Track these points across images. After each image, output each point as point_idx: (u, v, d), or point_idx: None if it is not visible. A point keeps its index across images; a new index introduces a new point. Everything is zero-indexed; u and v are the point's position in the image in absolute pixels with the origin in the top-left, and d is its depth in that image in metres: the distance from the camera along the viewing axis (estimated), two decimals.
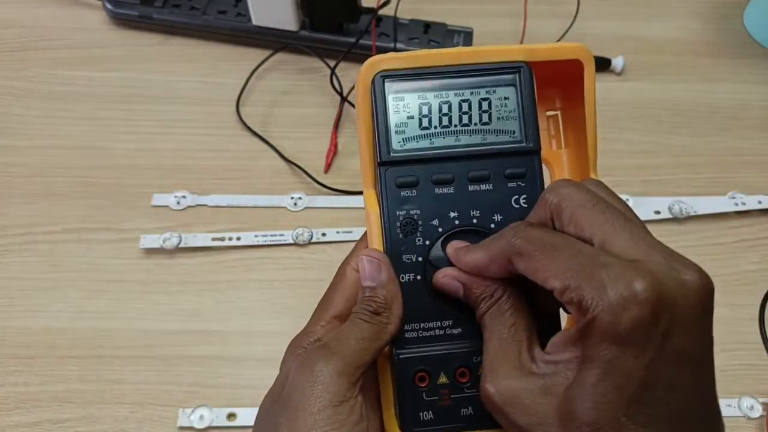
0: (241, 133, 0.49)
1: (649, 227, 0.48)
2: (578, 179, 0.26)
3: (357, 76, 0.25)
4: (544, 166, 0.27)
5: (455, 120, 0.25)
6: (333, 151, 0.47)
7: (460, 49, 0.26)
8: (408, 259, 0.24)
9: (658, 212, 0.45)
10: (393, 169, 0.25)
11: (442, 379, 0.24)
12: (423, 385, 0.24)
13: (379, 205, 0.25)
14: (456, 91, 0.25)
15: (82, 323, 0.39)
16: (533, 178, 0.25)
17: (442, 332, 0.24)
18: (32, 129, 0.48)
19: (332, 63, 0.50)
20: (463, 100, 0.25)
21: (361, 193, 0.43)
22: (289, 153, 0.47)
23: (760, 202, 0.45)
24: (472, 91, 0.25)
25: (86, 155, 0.47)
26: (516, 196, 0.25)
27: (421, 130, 0.25)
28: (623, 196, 0.46)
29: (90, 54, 0.53)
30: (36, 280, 0.41)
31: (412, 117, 0.25)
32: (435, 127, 0.25)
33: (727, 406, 0.37)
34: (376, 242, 0.25)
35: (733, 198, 0.45)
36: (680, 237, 0.44)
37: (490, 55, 0.25)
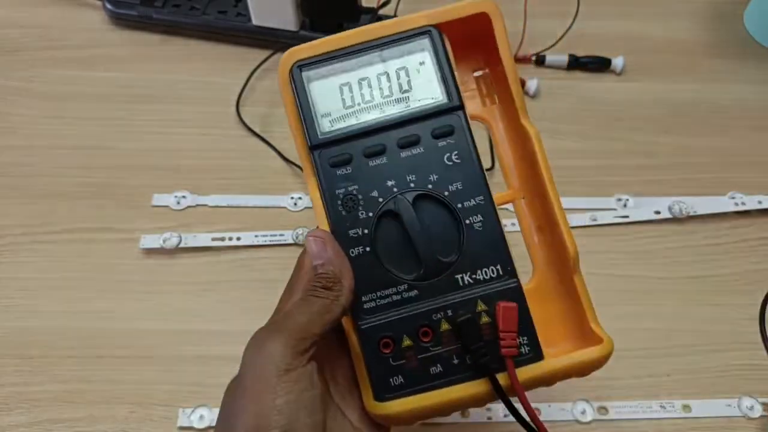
0: (241, 133, 0.49)
1: (649, 227, 0.48)
2: (513, 130, 0.28)
3: (279, 66, 0.26)
4: (482, 124, 0.29)
5: (376, 93, 0.26)
6: None
7: (367, 26, 0.27)
8: (354, 234, 0.25)
9: (658, 212, 0.45)
10: (325, 151, 0.26)
11: (406, 342, 0.25)
12: (388, 351, 0.25)
13: (319, 188, 0.26)
14: (372, 66, 0.26)
15: (82, 323, 0.39)
16: (462, 133, 0.26)
17: (399, 297, 0.25)
18: (32, 129, 0.48)
19: None
20: (381, 74, 0.26)
21: None
22: (289, 153, 0.47)
23: (760, 202, 0.45)
24: (387, 62, 0.26)
25: (86, 155, 0.47)
26: (448, 154, 0.26)
27: (346, 109, 0.26)
28: (623, 196, 0.46)
29: (90, 54, 0.53)
30: (36, 280, 0.41)
31: (334, 99, 0.26)
32: (359, 104, 0.26)
33: (727, 406, 0.37)
34: (322, 224, 0.26)
35: (733, 198, 0.45)
36: (680, 237, 0.44)
37: (397, 26, 0.26)
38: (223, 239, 0.42)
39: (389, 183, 0.25)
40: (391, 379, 0.25)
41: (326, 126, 0.26)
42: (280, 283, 0.41)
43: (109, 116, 0.49)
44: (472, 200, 0.26)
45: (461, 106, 0.26)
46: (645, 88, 0.52)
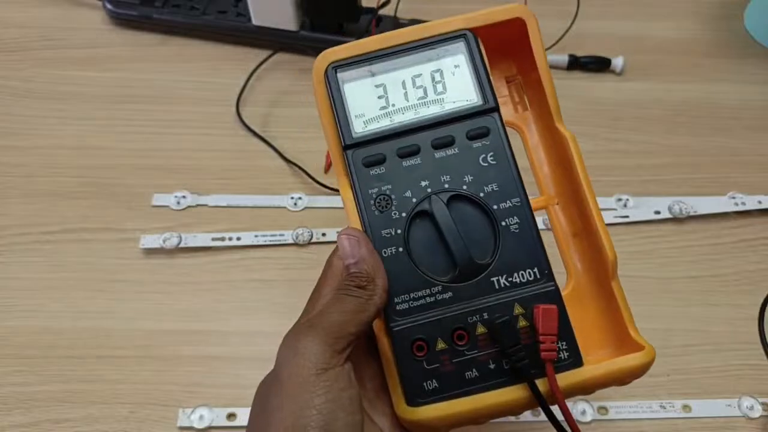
0: (241, 133, 0.49)
1: (649, 227, 0.48)
2: (547, 135, 0.28)
3: (314, 68, 0.26)
4: (514, 131, 0.28)
5: (411, 95, 0.26)
6: None
7: (403, 29, 0.27)
8: (387, 234, 0.25)
9: (658, 212, 0.45)
10: (359, 151, 0.25)
11: (441, 345, 0.24)
12: (422, 354, 0.24)
13: (351, 188, 0.25)
14: (407, 68, 0.26)
15: (82, 323, 0.39)
16: (497, 135, 0.25)
17: (432, 299, 0.24)
18: (32, 129, 0.48)
19: None
20: (416, 75, 0.26)
21: None
22: (289, 153, 0.47)
23: (760, 202, 0.45)
24: (422, 65, 0.26)
25: (86, 155, 0.47)
26: (483, 155, 0.25)
27: (380, 110, 0.26)
28: (623, 196, 0.46)
29: (90, 54, 0.53)
30: (36, 280, 0.41)
31: (368, 100, 0.26)
32: (393, 105, 0.26)
33: (727, 406, 0.37)
34: (354, 224, 0.25)
35: (733, 198, 0.45)
36: (680, 237, 0.44)
37: (433, 29, 0.26)
38: (223, 239, 0.42)
39: (423, 183, 0.25)
40: (425, 384, 0.24)
41: (360, 126, 0.26)
42: (279, 283, 0.41)
43: (109, 116, 0.49)
44: (508, 202, 0.25)
45: (496, 108, 0.26)
46: (645, 88, 0.52)
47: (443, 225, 0.25)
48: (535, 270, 0.25)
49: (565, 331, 0.24)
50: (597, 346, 0.26)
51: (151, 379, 0.38)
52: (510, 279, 0.24)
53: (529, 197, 0.26)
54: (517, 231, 0.25)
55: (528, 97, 0.29)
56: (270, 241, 0.43)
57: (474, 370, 0.24)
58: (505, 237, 0.25)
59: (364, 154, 0.25)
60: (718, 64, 0.54)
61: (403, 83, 0.26)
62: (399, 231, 0.25)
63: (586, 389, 0.24)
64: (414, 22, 0.52)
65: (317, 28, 0.52)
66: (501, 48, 0.28)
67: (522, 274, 0.25)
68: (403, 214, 0.25)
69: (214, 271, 0.42)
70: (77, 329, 0.39)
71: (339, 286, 0.24)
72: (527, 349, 0.23)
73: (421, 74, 0.26)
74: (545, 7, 0.55)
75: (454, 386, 0.24)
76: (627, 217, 0.44)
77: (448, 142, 0.25)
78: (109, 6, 0.54)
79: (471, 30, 0.26)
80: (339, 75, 0.26)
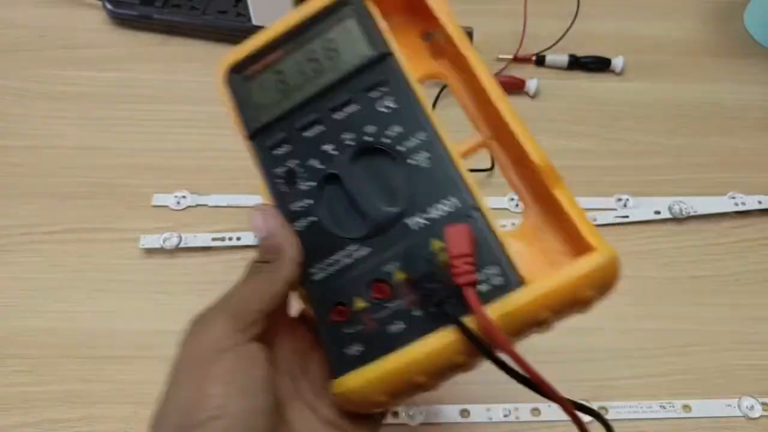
0: None
1: (649, 227, 0.48)
2: (463, 72, 0.26)
3: (215, 75, 0.27)
4: (443, 81, 0.27)
5: (307, 69, 0.25)
6: None
7: (290, 13, 0.27)
8: (299, 207, 0.24)
9: (658, 212, 0.45)
10: (262, 137, 0.25)
11: (359, 304, 0.22)
12: (342, 318, 0.22)
13: (262, 175, 0.25)
14: (302, 48, 0.26)
15: (82, 323, 0.39)
16: (395, 78, 0.24)
17: (350, 260, 0.23)
18: (32, 129, 0.48)
19: None
20: (310, 50, 0.26)
21: None
22: None
23: (760, 202, 0.45)
24: (315, 40, 0.26)
25: (86, 155, 0.47)
26: (382, 102, 0.24)
27: (280, 94, 0.26)
28: (623, 196, 0.46)
29: (90, 54, 0.53)
30: (36, 280, 0.41)
31: (269, 89, 0.26)
32: (292, 85, 0.25)
33: (727, 406, 0.37)
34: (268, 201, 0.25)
35: (733, 198, 0.45)
36: (680, 237, 0.44)
37: (316, 4, 0.26)
38: (223, 239, 0.42)
39: (326, 147, 0.24)
40: (347, 350, 0.21)
41: (263, 115, 0.26)
42: None
43: (109, 116, 0.49)
44: (413, 139, 0.23)
45: (388, 53, 0.25)
46: (645, 88, 0.52)
47: (347, 181, 0.23)
48: (452, 199, 0.22)
49: (490, 249, 0.21)
50: (550, 265, 0.22)
51: (152, 379, 0.37)
52: (427, 216, 0.22)
53: (468, 140, 0.25)
54: (429, 165, 0.23)
55: (446, 46, 0.27)
56: None
57: (399, 322, 0.21)
58: (415, 174, 0.23)
59: (267, 139, 0.25)
60: (718, 64, 0.54)
61: (299, 63, 0.26)
62: (310, 201, 0.24)
63: (535, 316, 0.20)
64: None
65: None
66: (403, 5, 0.27)
67: (438, 207, 0.22)
68: (313, 184, 0.24)
69: (214, 271, 0.42)
70: (77, 329, 0.39)
71: (247, 267, 0.23)
72: (453, 287, 0.20)
73: (313, 49, 0.26)
74: (545, 7, 0.55)
75: (381, 346, 0.21)
76: (627, 217, 0.44)
77: (345, 101, 0.24)
78: (109, 6, 0.54)
79: None
80: (237, 76, 0.27)
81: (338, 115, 0.24)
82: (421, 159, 0.23)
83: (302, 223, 0.24)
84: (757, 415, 0.37)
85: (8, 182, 0.45)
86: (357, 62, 0.25)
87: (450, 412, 0.36)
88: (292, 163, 0.25)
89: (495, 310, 0.20)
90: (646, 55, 0.54)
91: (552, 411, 0.37)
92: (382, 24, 0.26)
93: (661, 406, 0.37)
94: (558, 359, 0.38)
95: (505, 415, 0.36)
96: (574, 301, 0.20)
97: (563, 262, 0.21)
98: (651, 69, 0.54)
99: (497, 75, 0.51)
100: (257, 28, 0.52)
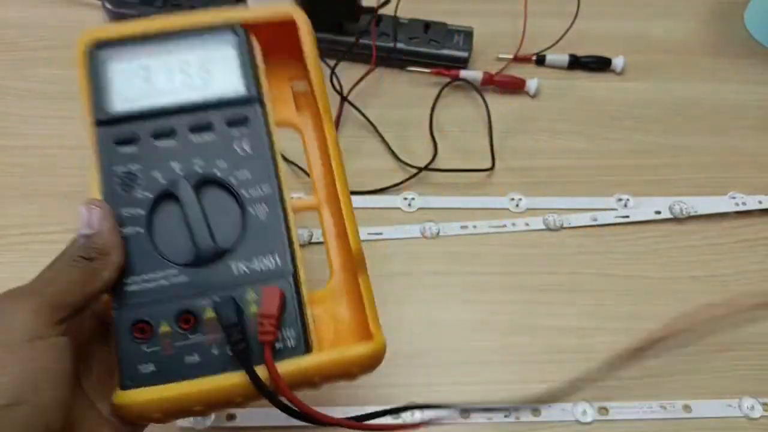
0: None
1: (649, 227, 0.48)
2: (319, 138, 0.28)
3: (77, 43, 0.26)
4: (296, 132, 0.28)
5: (176, 79, 0.25)
6: None
7: (179, 15, 0.27)
8: (129, 213, 0.24)
9: (658, 212, 0.45)
10: (111, 128, 0.25)
11: (164, 328, 0.23)
12: (143, 336, 0.23)
13: (97, 165, 0.25)
14: (175, 54, 0.26)
15: None
16: (257, 124, 0.25)
17: (167, 282, 0.23)
18: (32, 129, 0.48)
19: (332, 63, 0.50)
20: (183, 61, 0.26)
21: (360, 193, 0.44)
22: (289, 153, 0.47)
23: (760, 202, 0.45)
24: (190, 52, 0.26)
25: (86, 155, 0.47)
26: (240, 143, 0.25)
27: (141, 91, 0.25)
28: (623, 196, 0.46)
29: None
30: None
31: (130, 80, 0.25)
32: (155, 87, 0.25)
33: (727, 407, 0.37)
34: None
35: (733, 198, 0.45)
36: (680, 237, 0.44)
37: (206, 18, 0.26)
38: None
39: (174, 164, 0.24)
40: (140, 366, 0.22)
41: (117, 105, 0.25)
42: None
43: None
44: (259, 189, 0.25)
45: (259, 99, 0.26)
46: (645, 88, 0.52)
47: (187, 206, 0.24)
48: (276, 258, 0.24)
49: (295, 318, 0.23)
50: (345, 342, 0.25)
51: None
52: (249, 265, 0.24)
53: (305, 199, 0.27)
54: (265, 219, 0.24)
55: (306, 100, 0.29)
56: None
57: (195, 354, 0.23)
58: (250, 223, 0.24)
59: (117, 132, 0.25)
60: (718, 64, 0.54)
61: (169, 67, 0.26)
62: (142, 211, 0.24)
63: (310, 378, 0.23)
64: (414, 21, 0.52)
65: (317, 28, 0.51)
66: (282, 47, 0.28)
67: (263, 260, 0.24)
68: (149, 195, 0.24)
69: None
70: None
71: (69, 254, 0.22)
72: (249, 334, 0.23)
73: (187, 60, 0.26)
74: (545, 7, 0.55)
75: (172, 371, 0.22)
76: (627, 217, 0.44)
77: (205, 126, 0.25)
78: (109, 6, 0.54)
79: (244, 25, 0.26)
80: (103, 52, 0.26)
81: (195, 138, 0.25)
82: (260, 211, 0.25)
83: (128, 230, 0.24)
84: (757, 415, 0.37)
85: (8, 182, 0.45)
86: (227, 94, 0.25)
87: (450, 413, 0.36)
88: (134, 167, 0.25)
89: (282, 367, 0.23)
90: (647, 54, 0.54)
91: (552, 411, 0.37)
92: (260, 63, 0.26)
93: (661, 406, 0.37)
94: (558, 359, 0.38)
95: (505, 416, 0.36)
96: (342, 374, 0.24)
97: (346, 336, 0.25)
98: (651, 69, 0.54)
99: (497, 74, 0.51)
100: None
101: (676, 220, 0.45)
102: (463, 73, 0.50)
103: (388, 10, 0.49)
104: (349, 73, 0.51)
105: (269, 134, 0.26)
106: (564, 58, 0.53)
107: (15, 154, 0.47)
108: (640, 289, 0.42)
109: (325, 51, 0.51)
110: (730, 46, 0.56)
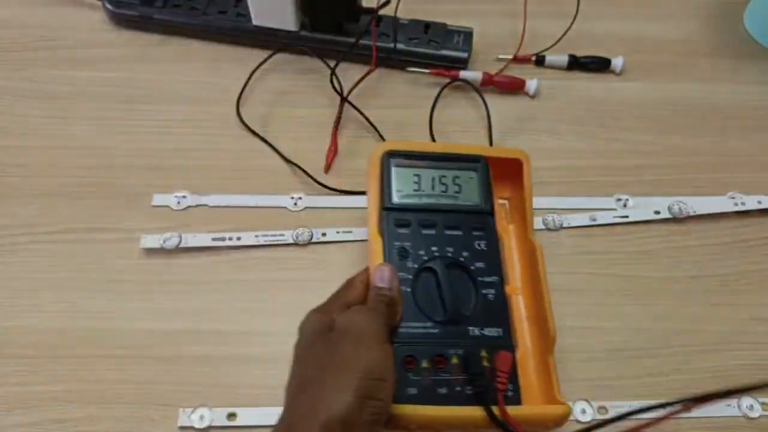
0: (241, 133, 0.49)
1: (650, 227, 0.48)
2: (521, 243, 0.37)
3: (372, 153, 0.36)
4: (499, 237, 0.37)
5: (437, 187, 0.36)
6: (333, 151, 0.47)
7: (443, 143, 0.41)
8: (402, 277, 0.33)
9: (657, 212, 0.45)
10: (393, 213, 0.35)
11: (425, 365, 0.31)
12: (410, 367, 0.31)
13: (381, 237, 0.34)
14: (438, 170, 0.36)
15: (82, 323, 0.39)
16: (490, 232, 0.35)
17: (425, 331, 0.32)
18: (32, 129, 0.49)
19: (332, 63, 0.50)
20: (443, 175, 0.36)
21: (360, 193, 0.46)
22: (289, 153, 0.47)
23: (759, 202, 0.45)
24: (448, 170, 0.36)
25: (87, 155, 0.47)
26: (478, 241, 0.35)
27: (413, 191, 0.36)
28: (623, 196, 0.46)
29: (90, 54, 0.53)
30: (37, 280, 0.41)
31: (407, 182, 0.36)
32: (423, 190, 0.36)
33: (726, 406, 0.37)
34: (377, 261, 0.33)
35: (733, 198, 0.46)
36: (680, 237, 0.44)
37: (462, 150, 0.37)
38: (223, 239, 0.43)
39: (433, 248, 0.34)
40: (407, 389, 0.30)
41: (397, 197, 0.35)
42: (279, 283, 0.41)
43: (110, 116, 0.49)
44: (489, 277, 0.34)
45: (492, 213, 0.36)
46: (644, 88, 0.53)
47: (442, 280, 0.33)
48: (501, 330, 0.33)
49: (513, 376, 0.32)
50: (533, 402, 0.33)
51: (151, 378, 0.38)
52: (482, 331, 0.32)
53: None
54: (493, 299, 0.33)
55: (513, 215, 0.39)
56: (270, 240, 0.43)
57: (444, 388, 0.31)
58: (483, 300, 0.33)
59: (396, 217, 0.35)
60: (717, 64, 0.54)
61: (433, 178, 0.36)
62: (410, 276, 0.33)
63: (519, 422, 0.30)
64: (414, 22, 0.53)
65: (317, 29, 0.52)
66: (504, 174, 0.38)
67: (491, 329, 0.32)
68: (415, 265, 0.33)
69: (214, 271, 0.42)
70: (78, 329, 0.39)
71: (372, 300, 0.31)
72: (487, 382, 0.31)
73: (446, 176, 0.36)
74: (545, 7, 0.55)
75: (429, 396, 0.30)
76: (627, 217, 0.45)
77: (456, 226, 0.35)
78: (109, 6, 0.54)
79: (485, 157, 0.37)
80: (391, 160, 0.36)
81: (448, 232, 0.35)
82: (489, 293, 0.33)
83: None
84: (756, 415, 0.37)
85: (9, 182, 0.46)
86: (471, 204, 0.36)
87: None
88: (407, 244, 0.34)
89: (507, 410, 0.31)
90: (646, 55, 0.55)
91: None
92: (492, 187, 0.36)
93: (660, 405, 0.37)
94: (558, 359, 0.38)
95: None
96: (537, 425, 0.31)
97: (534, 398, 0.33)
98: (650, 69, 0.54)
99: (497, 75, 0.51)
100: (257, 28, 0.53)
101: (675, 220, 0.45)
102: (463, 74, 0.51)
103: (388, 11, 0.49)
104: (349, 73, 0.51)
105: (496, 237, 0.35)
106: (563, 59, 0.53)
107: (16, 154, 0.47)
108: (639, 288, 0.42)
109: (325, 52, 0.51)
110: (729, 47, 0.56)
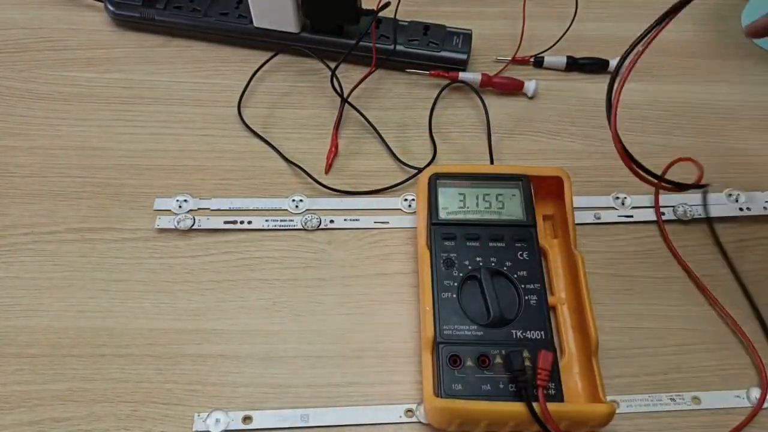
0: (242, 134, 0.49)
1: (650, 227, 0.48)
2: (565, 256, 0.40)
3: (421, 176, 0.41)
4: (543, 250, 0.40)
5: (481, 204, 0.39)
6: (334, 152, 0.47)
7: (485, 165, 0.45)
8: (448, 284, 0.36)
9: (663, 213, 0.45)
10: (440, 228, 0.38)
11: (469, 363, 0.34)
12: (455, 365, 0.34)
13: (429, 249, 0.38)
14: (481, 188, 0.40)
15: (84, 322, 0.40)
16: (531, 243, 0.38)
17: (470, 333, 0.35)
18: (34, 130, 0.49)
19: (333, 65, 0.50)
20: (486, 193, 0.40)
21: (360, 193, 0.47)
22: (290, 154, 0.47)
23: (765, 207, 0.45)
24: (491, 188, 0.40)
25: (88, 156, 0.47)
26: (521, 252, 0.38)
27: (458, 208, 0.39)
28: (621, 195, 0.46)
29: (92, 55, 0.53)
30: (38, 280, 0.41)
31: (453, 200, 0.39)
32: (468, 207, 0.39)
33: (735, 397, 0.37)
34: (424, 271, 0.37)
35: (731, 196, 0.46)
36: (680, 237, 0.44)
37: (504, 170, 0.41)
38: (235, 222, 0.44)
39: (477, 258, 0.37)
40: (453, 384, 0.33)
41: (444, 214, 0.39)
42: (281, 282, 0.42)
43: (111, 117, 0.50)
44: (531, 285, 0.37)
45: (534, 226, 0.39)
46: (643, 89, 0.53)
47: (486, 288, 0.36)
48: (542, 333, 0.35)
49: (554, 375, 0.33)
50: (575, 401, 0.35)
51: (153, 377, 0.38)
52: (524, 334, 0.35)
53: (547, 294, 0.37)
54: (535, 305, 0.36)
55: (555, 229, 0.42)
56: (279, 225, 0.44)
57: (488, 385, 0.33)
58: (525, 306, 0.36)
59: (443, 231, 0.38)
60: (715, 65, 0.55)
61: (477, 196, 0.40)
62: (455, 284, 0.36)
63: (559, 419, 0.32)
64: (414, 23, 0.53)
65: (318, 30, 0.52)
66: (546, 192, 0.41)
67: (533, 332, 0.35)
68: (461, 274, 0.37)
69: (216, 270, 0.42)
70: (79, 328, 0.39)
71: None
72: (528, 380, 0.32)
73: (489, 193, 0.40)
74: (543, 9, 0.56)
75: (473, 392, 0.33)
76: (631, 216, 0.45)
77: (499, 238, 0.38)
78: (110, 7, 0.54)
79: (527, 175, 0.40)
80: (438, 181, 0.40)
81: (492, 244, 0.38)
82: (532, 299, 0.36)
83: (445, 295, 0.36)
84: (766, 405, 0.37)
85: (10, 182, 0.46)
86: (514, 219, 0.39)
87: None
88: (453, 255, 0.37)
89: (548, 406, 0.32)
90: (644, 56, 0.55)
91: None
92: (534, 203, 0.39)
93: (671, 398, 0.37)
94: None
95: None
96: (580, 424, 0.33)
97: (578, 399, 0.36)
98: (648, 70, 0.54)
99: (496, 76, 0.52)
100: (258, 30, 0.53)
101: (676, 220, 0.45)
102: (462, 75, 0.51)
103: (387, 13, 0.50)
104: (349, 74, 0.51)
105: (538, 248, 0.38)
106: (562, 60, 0.53)
107: (19, 155, 0.47)
108: (639, 288, 0.42)
109: (326, 53, 0.52)
110: (727, 48, 0.56)
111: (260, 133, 0.49)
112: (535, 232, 0.38)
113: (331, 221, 0.44)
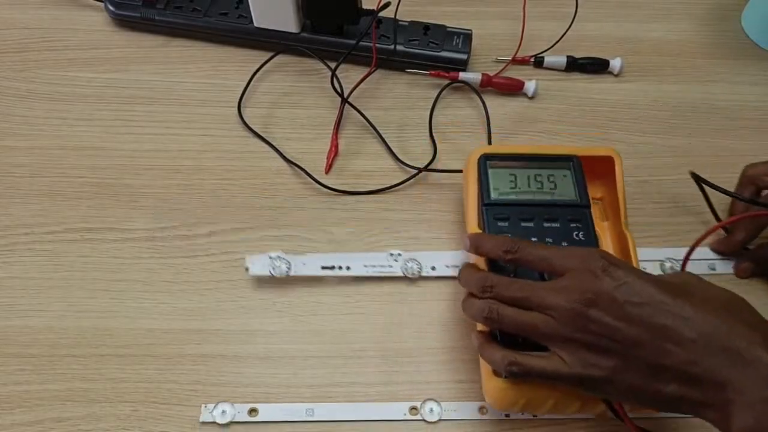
0: (242, 134, 0.49)
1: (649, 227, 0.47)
2: (615, 235, 0.40)
3: (469, 155, 0.40)
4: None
5: (532, 184, 0.39)
6: (334, 152, 0.47)
7: (536, 145, 0.45)
8: (504, 266, 0.35)
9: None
10: (491, 208, 0.37)
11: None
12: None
13: (482, 231, 0.37)
14: (532, 169, 0.39)
15: (84, 322, 0.40)
16: (586, 222, 0.37)
17: None
18: (35, 130, 0.49)
19: (333, 65, 0.50)
20: (537, 174, 0.39)
21: (359, 193, 0.46)
22: (290, 154, 0.47)
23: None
24: (542, 169, 0.39)
25: (88, 156, 0.47)
26: (576, 232, 0.37)
27: (510, 188, 0.38)
28: None
29: (92, 55, 0.53)
30: (39, 280, 0.41)
31: (504, 180, 0.38)
32: (519, 187, 0.38)
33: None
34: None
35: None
36: (680, 236, 0.44)
37: (555, 150, 0.41)
38: (332, 268, 0.41)
39: (533, 239, 0.36)
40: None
41: (495, 195, 0.38)
42: (282, 282, 0.42)
43: (111, 117, 0.50)
44: None
45: (589, 206, 0.38)
46: (643, 89, 0.53)
47: None
48: None
49: None
50: None
51: (153, 377, 0.38)
52: None
53: None
54: None
55: (606, 211, 0.42)
56: (378, 272, 0.42)
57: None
58: None
59: (495, 212, 0.37)
60: (715, 65, 0.55)
61: (528, 177, 0.39)
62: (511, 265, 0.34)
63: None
64: (414, 23, 0.53)
65: (318, 30, 0.52)
66: (595, 174, 0.40)
67: None
68: None
69: (215, 270, 0.42)
70: (79, 328, 0.39)
71: None
72: None
73: (540, 174, 0.39)
74: (544, 9, 0.56)
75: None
76: None
77: (554, 218, 0.37)
78: (110, 8, 0.54)
79: (577, 155, 0.39)
80: (488, 162, 0.39)
81: (546, 224, 0.37)
82: None
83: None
84: None
85: (11, 182, 0.46)
86: (567, 199, 0.38)
87: (468, 409, 0.37)
88: (507, 236, 0.34)
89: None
90: (644, 56, 0.55)
91: None
92: (586, 182, 0.39)
93: None
94: None
95: (522, 412, 0.36)
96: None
97: None
98: (648, 70, 0.54)
99: (496, 76, 0.52)
100: (258, 30, 0.53)
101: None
102: (462, 75, 0.51)
103: (388, 13, 0.50)
104: (349, 74, 0.51)
105: (593, 227, 0.37)
106: (562, 60, 0.53)
107: (19, 155, 0.47)
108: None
109: (326, 53, 0.52)
110: (727, 48, 0.56)
111: (260, 133, 0.49)
112: (589, 213, 0.37)
113: (433, 268, 0.42)
